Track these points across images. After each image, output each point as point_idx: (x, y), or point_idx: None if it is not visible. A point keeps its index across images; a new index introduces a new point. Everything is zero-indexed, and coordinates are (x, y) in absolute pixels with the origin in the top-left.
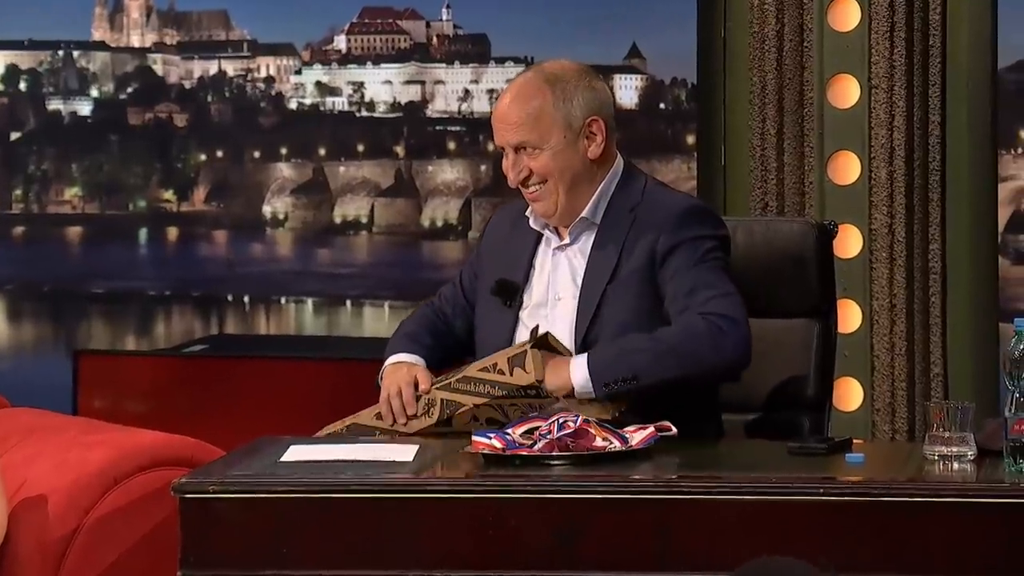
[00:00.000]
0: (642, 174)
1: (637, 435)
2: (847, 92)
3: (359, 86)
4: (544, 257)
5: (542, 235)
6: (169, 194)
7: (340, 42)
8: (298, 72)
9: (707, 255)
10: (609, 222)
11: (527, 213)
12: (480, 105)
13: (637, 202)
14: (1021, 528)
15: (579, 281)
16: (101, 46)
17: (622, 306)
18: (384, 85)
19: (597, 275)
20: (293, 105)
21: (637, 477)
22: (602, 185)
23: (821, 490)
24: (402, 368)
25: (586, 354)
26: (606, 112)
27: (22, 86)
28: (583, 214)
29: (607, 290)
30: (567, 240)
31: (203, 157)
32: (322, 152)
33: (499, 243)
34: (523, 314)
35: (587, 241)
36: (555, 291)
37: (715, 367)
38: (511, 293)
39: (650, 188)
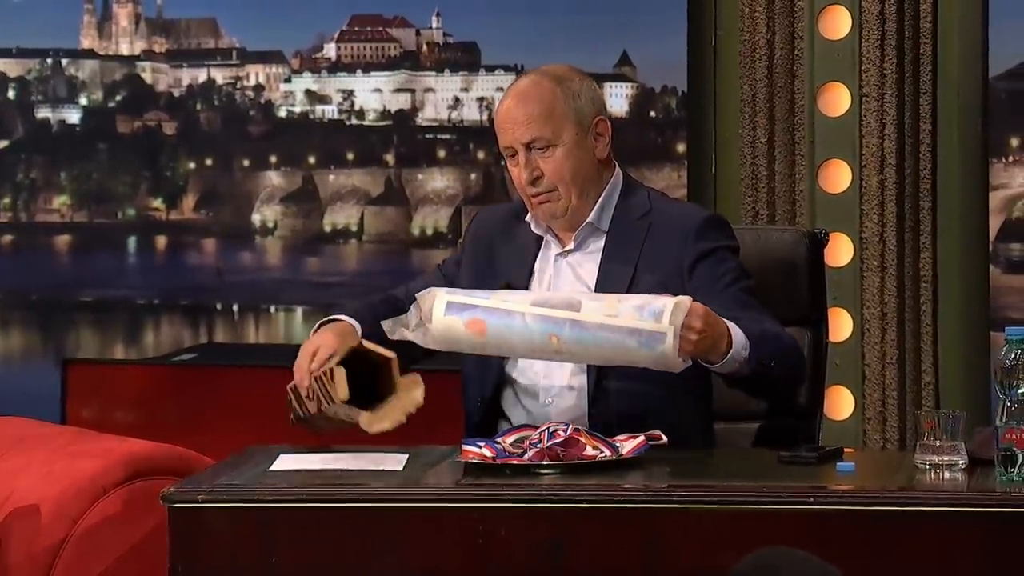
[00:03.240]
0: (641, 184)
1: (628, 444)
2: (838, 100)
3: (349, 94)
4: (544, 263)
5: (542, 240)
6: (158, 202)
7: (329, 50)
8: (287, 80)
9: (739, 270)
10: (619, 230)
11: (527, 218)
12: (470, 113)
13: (647, 210)
14: (1012, 537)
15: (587, 288)
16: (90, 54)
17: None
18: (374, 93)
19: (612, 284)
20: (282, 113)
21: (627, 486)
22: (606, 191)
23: (812, 499)
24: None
25: (730, 321)
26: (606, 112)
27: (10, 94)
28: (589, 219)
29: None
30: (571, 246)
31: (192, 165)
32: (312, 160)
33: (492, 246)
34: None
35: (594, 247)
36: None
37: (798, 382)
38: None
39: (655, 197)
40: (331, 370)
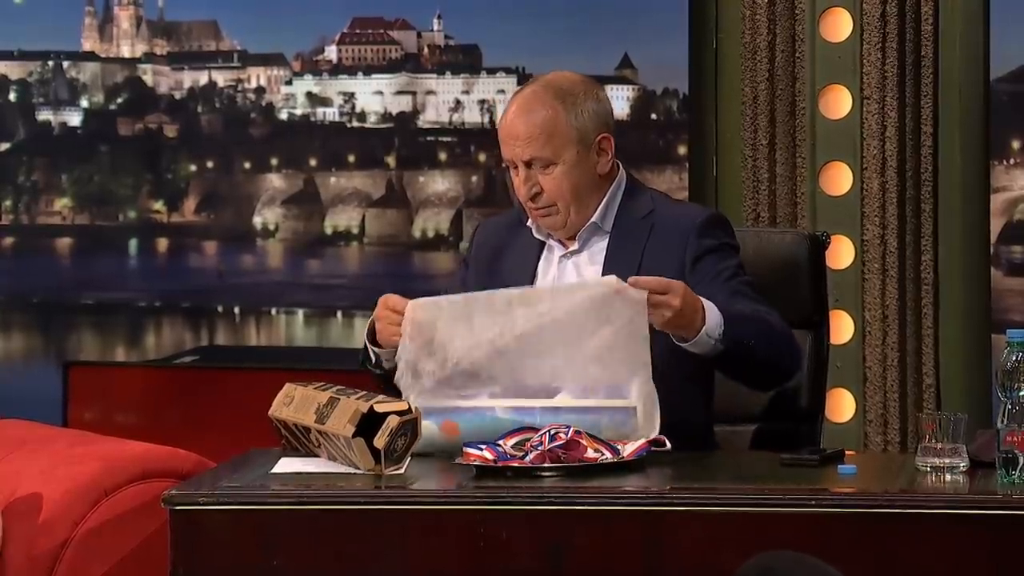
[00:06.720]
0: (643, 184)
1: (629, 446)
2: (839, 102)
3: (350, 96)
4: (547, 265)
5: (544, 244)
6: (159, 205)
7: (331, 52)
8: (288, 82)
9: (739, 268)
10: (622, 230)
11: (528, 223)
12: (471, 116)
13: (650, 210)
14: (1013, 539)
15: None
16: (91, 56)
17: None
18: (375, 95)
19: None
20: (284, 115)
21: (629, 489)
22: (609, 192)
23: (813, 501)
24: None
25: (708, 301)
26: (612, 124)
27: (12, 96)
28: (593, 219)
29: None
30: (575, 247)
31: (193, 168)
32: (313, 163)
33: (497, 254)
34: None
35: (597, 247)
36: None
37: (789, 366)
38: None
39: (657, 197)
40: (351, 441)
